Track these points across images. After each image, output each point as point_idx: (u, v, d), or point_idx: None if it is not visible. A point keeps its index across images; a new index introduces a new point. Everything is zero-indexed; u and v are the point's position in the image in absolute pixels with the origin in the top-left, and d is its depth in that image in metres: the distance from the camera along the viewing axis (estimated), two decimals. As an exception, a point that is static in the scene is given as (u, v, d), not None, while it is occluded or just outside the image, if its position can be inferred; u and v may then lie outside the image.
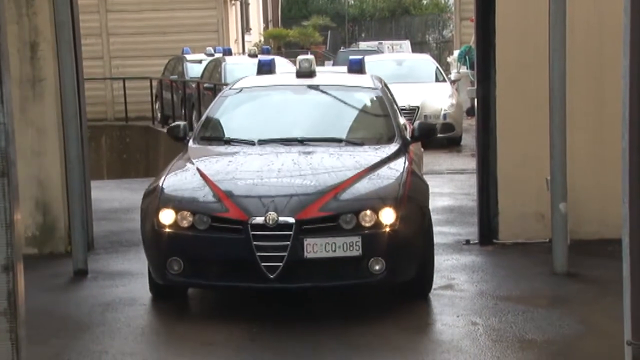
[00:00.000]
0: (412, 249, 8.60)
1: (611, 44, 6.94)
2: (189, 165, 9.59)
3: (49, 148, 11.77)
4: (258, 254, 7.89)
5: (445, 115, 21.49)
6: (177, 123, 11.15)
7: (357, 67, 12.00)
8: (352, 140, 10.11)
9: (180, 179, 9.29)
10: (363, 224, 8.25)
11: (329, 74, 13.65)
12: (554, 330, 8.65)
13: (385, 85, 11.99)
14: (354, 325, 8.83)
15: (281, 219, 7.99)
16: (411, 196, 8.87)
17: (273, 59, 12.33)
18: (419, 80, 23.13)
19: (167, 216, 8.34)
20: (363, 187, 8.81)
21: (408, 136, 10.46)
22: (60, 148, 11.74)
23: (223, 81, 22.15)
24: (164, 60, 26.45)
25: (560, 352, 8.16)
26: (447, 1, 50.38)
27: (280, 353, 8.16)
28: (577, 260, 10.29)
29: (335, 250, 7.91)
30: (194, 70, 25.10)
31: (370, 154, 9.72)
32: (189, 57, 25.58)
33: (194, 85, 23.91)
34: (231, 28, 35.82)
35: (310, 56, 11.25)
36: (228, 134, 10.63)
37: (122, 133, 22.40)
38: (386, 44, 39.22)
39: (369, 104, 11.22)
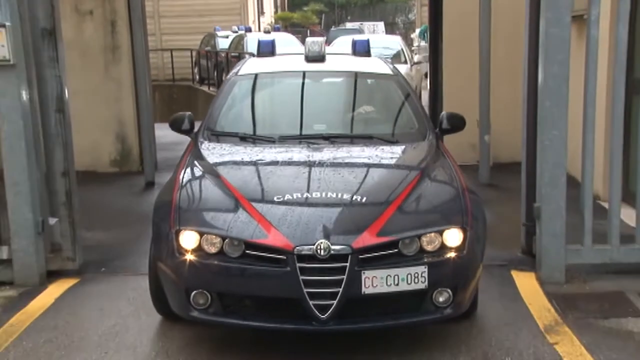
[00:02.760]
0: (477, 273, 5.76)
1: (521, 24, 7.57)
2: (207, 171, 6.43)
3: (124, 96, 12.22)
4: (306, 290, 5.16)
5: None
6: (180, 114, 7.55)
7: (363, 50, 8.55)
8: (385, 138, 7.02)
9: (200, 191, 6.29)
10: (427, 248, 5.43)
11: (339, 57, 9.37)
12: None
13: (395, 68, 8.61)
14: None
15: (334, 248, 5.17)
16: (474, 205, 5.89)
17: (273, 40, 8.80)
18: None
19: (189, 239, 5.46)
20: (422, 201, 5.92)
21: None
22: (133, 96, 12.18)
23: (245, 51, 22.46)
24: (200, 36, 26.73)
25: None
26: (412, -8, 50.70)
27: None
28: (496, 176, 10.79)
29: (398, 284, 5.21)
30: (223, 43, 25.23)
31: (412, 155, 6.85)
32: (219, 33, 25.80)
33: (223, 55, 24.10)
34: (250, 12, 35.89)
35: (320, 38, 8.15)
36: (243, 128, 7.41)
37: (170, 90, 22.82)
38: (365, 24, 39.50)
39: (391, 93, 7.96)
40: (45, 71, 7.27)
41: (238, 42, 23.91)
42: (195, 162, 6.60)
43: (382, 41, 19.21)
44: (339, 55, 9.77)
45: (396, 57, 16.40)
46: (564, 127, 6.71)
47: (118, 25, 12.03)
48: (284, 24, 41.88)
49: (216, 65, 24.49)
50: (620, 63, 6.80)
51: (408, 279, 5.22)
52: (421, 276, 5.24)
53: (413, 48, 31.28)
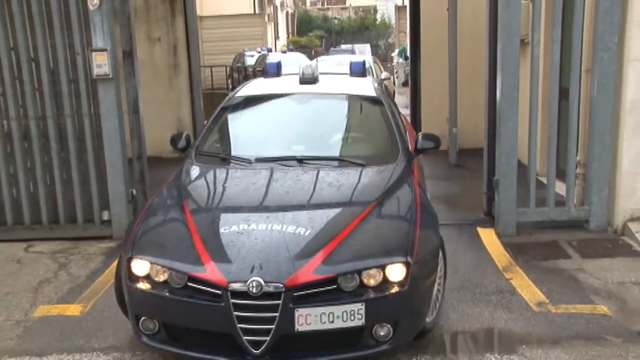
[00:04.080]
0: (425, 302, 4.64)
1: (482, 45, 7.65)
2: (174, 196, 5.43)
3: (183, 101, 12.13)
4: (240, 325, 4.17)
5: None
6: (179, 132, 6.59)
7: (359, 71, 7.29)
8: (355, 161, 5.56)
9: (161, 218, 5.14)
10: (367, 284, 4.31)
11: (332, 78, 7.56)
12: (448, 190, 9.15)
13: (385, 88, 7.75)
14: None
15: (267, 285, 4.14)
16: (424, 238, 4.68)
17: (279, 62, 7.30)
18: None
19: (140, 267, 4.53)
20: (367, 234, 4.62)
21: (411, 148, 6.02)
22: (189, 101, 12.11)
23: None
24: (232, 55, 26.66)
25: (450, 201, 8.59)
26: (391, 21, 50.42)
27: None
28: (462, 158, 10.69)
29: (333, 321, 4.15)
30: (250, 60, 24.98)
31: (374, 181, 5.37)
32: (247, 53, 25.61)
33: (250, 69, 23.98)
34: (269, 37, 35.98)
35: (313, 62, 6.78)
36: (225, 149, 6.29)
37: (210, 97, 22.83)
38: (356, 46, 39.26)
39: (371, 114, 6.52)
40: (126, 83, 7.33)
41: (262, 59, 23.90)
42: (172, 185, 5.63)
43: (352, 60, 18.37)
44: (333, 76, 7.90)
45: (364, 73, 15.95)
46: (515, 121, 6.81)
47: (178, 49, 12.01)
48: (294, 46, 41.85)
49: (245, 78, 24.44)
50: (554, 75, 6.89)
51: (344, 316, 4.16)
52: (357, 313, 4.17)
53: (393, 63, 31.43)
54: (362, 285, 4.26)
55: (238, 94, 6.83)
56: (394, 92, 17.15)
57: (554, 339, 4.73)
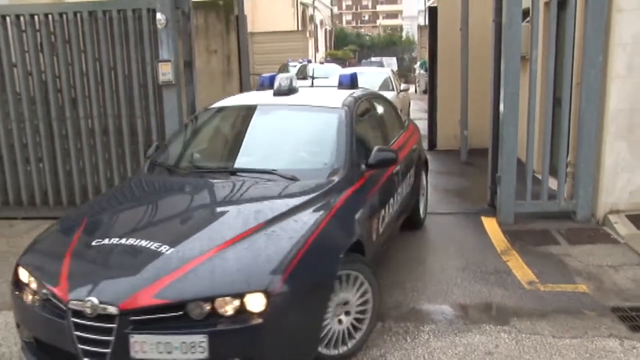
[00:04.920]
0: (302, 336, 3.67)
1: (488, 60, 7.66)
2: (90, 206, 4.88)
3: None
4: (80, 346, 3.36)
5: None
6: (154, 144, 5.76)
7: (347, 83, 6.00)
8: (286, 174, 4.51)
9: (61, 229, 4.28)
10: (221, 313, 3.35)
11: (314, 91, 6.19)
12: (459, 184, 9.07)
13: (364, 101, 5.70)
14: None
15: (101, 307, 3.32)
16: (305, 267, 3.60)
17: (274, 75, 5.92)
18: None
19: (22, 275, 3.82)
20: (235, 258, 3.59)
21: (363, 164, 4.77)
22: None
23: (307, 74, 22.70)
24: (278, 65, 26.79)
25: (461, 193, 8.57)
26: (414, 38, 50.12)
27: None
28: (472, 157, 10.58)
29: (171, 352, 3.27)
30: (293, 70, 24.97)
31: (286, 198, 4.29)
32: (290, 63, 25.61)
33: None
34: (310, 50, 36.14)
35: (291, 74, 5.78)
36: (171, 160, 5.21)
37: None
38: (384, 59, 39.06)
39: (327, 127, 5.08)
40: (186, 88, 7.39)
41: (303, 69, 24.00)
42: (102, 195, 5.10)
43: (374, 72, 16.09)
44: (319, 88, 6.57)
45: (385, 86, 13.96)
46: (515, 126, 6.79)
47: (231, 59, 11.95)
48: (331, 58, 41.90)
49: (289, 84, 24.65)
50: (549, 87, 6.88)
51: (182, 348, 3.26)
52: (199, 346, 3.26)
53: (415, 74, 31.30)
54: (215, 315, 3.33)
55: (211, 106, 5.84)
56: (409, 102, 16.48)
57: (541, 313, 4.75)
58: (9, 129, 7.42)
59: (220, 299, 3.34)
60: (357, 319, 4.16)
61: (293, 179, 4.52)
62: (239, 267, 3.53)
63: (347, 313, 4.10)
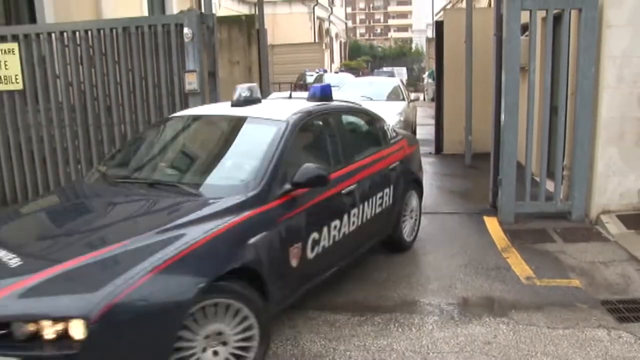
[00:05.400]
0: None
1: (490, 70, 7.63)
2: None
3: None
4: None
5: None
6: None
7: (316, 95, 5.19)
8: (186, 190, 3.98)
9: None
10: (44, 336, 2.85)
11: (273, 102, 5.58)
12: (463, 186, 9.03)
13: (319, 116, 4.90)
14: None
15: None
16: (141, 294, 2.96)
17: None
18: (379, 99, 12.24)
19: None
20: (70, 278, 3.03)
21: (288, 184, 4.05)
22: None
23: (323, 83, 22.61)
24: (296, 74, 26.83)
25: (465, 194, 8.54)
26: (423, 50, 49.91)
27: None
28: (475, 160, 10.48)
29: None
30: (310, 79, 24.88)
31: (173, 214, 3.72)
32: (307, 73, 25.64)
33: (309, 86, 24.32)
34: (326, 61, 36.17)
35: (253, 84, 5.18)
36: (108, 169, 4.73)
37: None
38: (395, 69, 38.90)
39: (258, 141, 4.36)
40: (210, 96, 7.27)
41: (319, 78, 24.02)
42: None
43: (384, 82, 14.84)
44: (284, 100, 5.99)
45: (394, 95, 12.99)
46: (515, 132, 6.79)
47: (252, 70, 12.03)
48: (345, 68, 41.82)
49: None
50: (546, 96, 6.86)
51: None
52: None
53: (424, 83, 31.14)
54: (38, 338, 2.88)
55: (170, 116, 5.48)
56: (416, 112, 15.61)
57: (537, 306, 4.75)
58: (52, 134, 7.52)
59: (44, 320, 2.87)
60: (242, 348, 3.54)
61: (195, 194, 3.93)
62: (71, 287, 3.01)
63: (225, 343, 3.46)
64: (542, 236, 6.44)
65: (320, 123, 5.05)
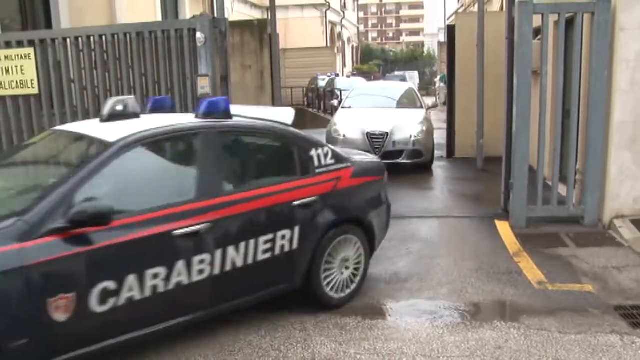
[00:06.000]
0: None
1: (502, 75, 7.56)
2: None
3: None
4: None
5: (414, 142, 10.08)
6: None
7: (205, 111, 4.35)
8: None
9: None
10: None
11: (141, 119, 4.34)
12: (475, 190, 9.00)
13: (172, 138, 4.10)
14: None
15: None
16: None
17: (166, 97, 5.15)
18: (395, 107, 11.56)
19: None
20: None
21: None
22: None
23: (336, 87, 22.71)
24: (308, 78, 26.91)
25: (476, 198, 8.50)
26: (435, 54, 49.80)
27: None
28: (487, 164, 10.44)
29: None
30: (321, 83, 24.94)
31: None
32: (319, 77, 25.70)
33: (321, 90, 24.15)
34: (338, 65, 36.22)
35: (130, 97, 4.48)
36: None
37: None
38: (406, 73, 38.66)
39: (67, 166, 4.01)
40: None
41: (331, 82, 24.04)
42: None
43: (396, 87, 13.91)
44: (159, 116, 4.68)
45: (409, 101, 11.96)
46: (527, 136, 6.76)
47: (264, 74, 12.09)
48: (357, 72, 41.84)
49: (317, 97, 24.61)
50: (559, 100, 6.84)
51: None
52: None
53: (435, 87, 31.01)
54: None
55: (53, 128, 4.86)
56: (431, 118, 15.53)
57: (549, 311, 4.71)
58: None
59: None
60: None
61: None
62: None
63: None
64: (554, 241, 6.38)
65: (175, 147, 4.28)
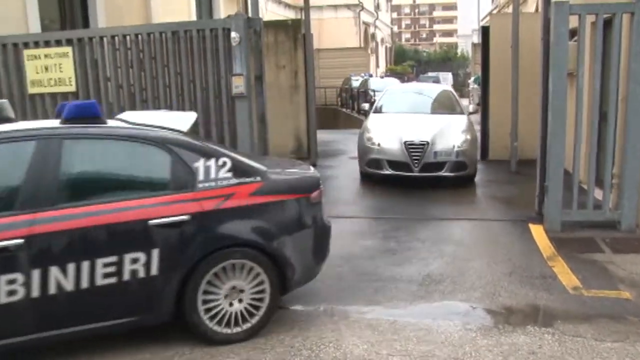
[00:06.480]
0: None
1: (537, 76, 7.45)
2: None
3: (300, 114, 12.13)
4: None
5: (457, 153, 9.04)
6: None
7: (66, 115, 4.03)
8: None
9: None
10: None
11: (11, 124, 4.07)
12: (508, 193, 8.88)
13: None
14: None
15: None
16: None
17: (92, 103, 4.19)
18: (434, 112, 10.46)
19: None
20: None
21: None
22: (305, 114, 12.02)
23: (369, 88, 22.66)
24: (342, 79, 26.86)
25: (509, 201, 8.37)
26: (468, 55, 49.27)
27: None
28: (520, 167, 10.24)
29: None
30: (355, 83, 24.85)
31: None
32: (353, 77, 25.60)
33: (354, 90, 24.19)
34: (371, 66, 36.13)
35: (3, 101, 4.24)
36: None
37: (324, 111, 22.94)
38: (440, 74, 38.29)
39: None
40: (256, 99, 7.37)
41: (364, 82, 23.98)
42: None
43: (434, 90, 12.23)
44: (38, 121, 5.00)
45: (447, 105, 10.74)
46: (562, 138, 6.64)
47: (298, 74, 12.07)
48: (390, 72, 41.65)
49: (351, 97, 24.55)
50: (595, 102, 6.70)
51: None
52: None
53: (469, 88, 30.64)
54: None
55: None
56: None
57: (584, 317, 4.60)
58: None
59: None
60: None
61: None
62: None
63: None
64: (590, 245, 6.25)
65: (2, 153, 3.87)
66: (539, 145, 7.22)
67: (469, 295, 5.07)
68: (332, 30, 34.30)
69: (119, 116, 4.39)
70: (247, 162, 4.40)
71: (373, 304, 4.90)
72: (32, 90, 7.63)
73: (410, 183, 9.10)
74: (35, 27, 8.47)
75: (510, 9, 12.51)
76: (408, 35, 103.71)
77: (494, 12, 29.77)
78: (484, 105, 12.17)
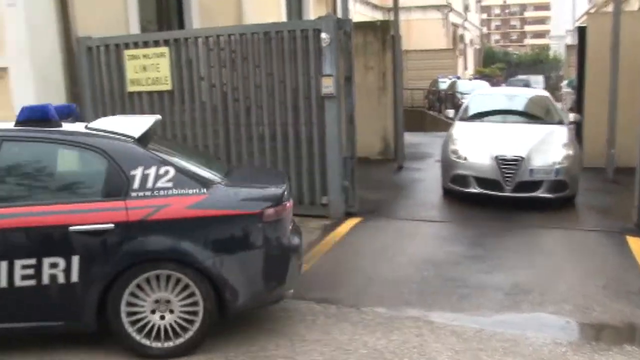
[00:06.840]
0: None
1: (637, 80, 7.06)
2: None
3: (388, 115, 12.11)
4: None
5: (558, 170, 7.84)
6: None
7: (34, 117, 4.06)
8: None
9: None
10: None
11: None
12: (602, 202, 8.49)
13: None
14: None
15: None
16: None
17: (63, 107, 4.53)
18: (529, 121, 9.52)
19: None
20: None
21: None
22: (392, 115, 11.93)
23: (457, 90, 22.26)
24: (429, 81, 26.55)
25: (603, 211, 7.95)
26: (561, 57, 47.42)
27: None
28: (618, 176, 9.71)
29: None
30: (442, 85, 24.68)
31: None
32: (440, 79, 25.33)
33: (442, 93, 23.92)
34: (459, 68, 35.49)
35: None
36: None
37: (411, 113, 22.67)
38: (530, 77, 37.01)
39: None
40: (345, 100, 7.47)
41: (452, 85, 23.58)
42: None
43: (526, 95, 11.09)
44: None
45: (549, 115, 9.62)
46: (665, 147, 6.36)
47: (386, 75, 12.03)
48: (479, 75, 40.67)
49: (438, 99, 24.24)
50: None
51: None
52: None
53: (562, 92, 29.45)
54: None
55: None
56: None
57: (687, 337, 4.32)
58: (195, 132, 7.89)
59: None
60: None
61: None
62: None
63: None
64: (694, 262, 5.87)
65: None
66: (638, 152, 6.88)
67: (559, 307, 4.86)
68: (420, 31, 33.86)
69: (93, 122, 4.29)
70: (196, 172, 4.15)
71: (458, 311, 4.80)
72: (131, 88, 7.94)
73: (502, 203, 8.15)
74: (134, 28, 8.80)
75: (609, 8, 11.95)
76: (498, 37, 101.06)
77: (591, 11, 28.51)
78: (578, 110, 11.69)
